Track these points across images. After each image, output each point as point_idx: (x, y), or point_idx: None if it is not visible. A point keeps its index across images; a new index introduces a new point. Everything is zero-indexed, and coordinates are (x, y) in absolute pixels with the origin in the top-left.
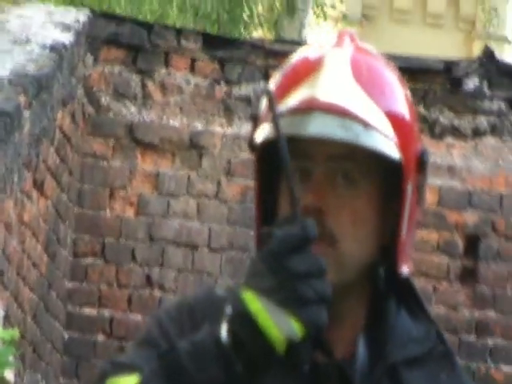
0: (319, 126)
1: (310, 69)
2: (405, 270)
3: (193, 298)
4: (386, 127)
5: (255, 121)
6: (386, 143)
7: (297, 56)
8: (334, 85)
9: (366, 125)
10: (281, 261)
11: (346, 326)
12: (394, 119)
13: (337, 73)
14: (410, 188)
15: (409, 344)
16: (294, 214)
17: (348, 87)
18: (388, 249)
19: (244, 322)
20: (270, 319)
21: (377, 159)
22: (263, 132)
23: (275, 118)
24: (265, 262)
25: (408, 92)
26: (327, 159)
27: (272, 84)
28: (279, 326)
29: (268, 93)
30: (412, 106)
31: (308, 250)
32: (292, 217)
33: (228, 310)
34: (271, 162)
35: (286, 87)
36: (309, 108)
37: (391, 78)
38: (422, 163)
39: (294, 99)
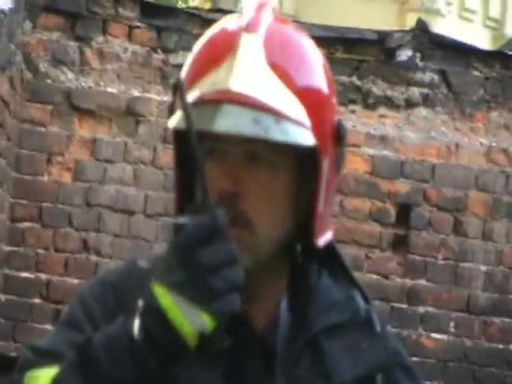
0: (229, 121)
1: (222, 52)
2: (321, 242)
3: (116, 272)
4: (299, 113)
5: (171, 108)
6: (299, 132)
7: (211, 34)
8: (246, 72)
9: (278, 116)
10: (190, 254)
11: (267, 297)
12: (309, 97)
13: (249, 57)
14: (326, 164)
15: (331, 311)
16: (205, 203)
17: (261, 73)
18: (305, 223)
19: (155, 318)
20: (180, 315)
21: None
22: (175, 120)
23: (185, 109)
24: (174, 256)
25: (326, 63)
26: (242, 141)
27: (185, 65)
28: (190, 321)
29: (179, 82)
30: (330, 78)
31: (218, 240)
32: (202, 205)
33: (140, 303)
34: (187, 147)
35: (198, 71)
36: (219, 99)
37: (307, 53)
38: (339, 135)
39: (205, 86)
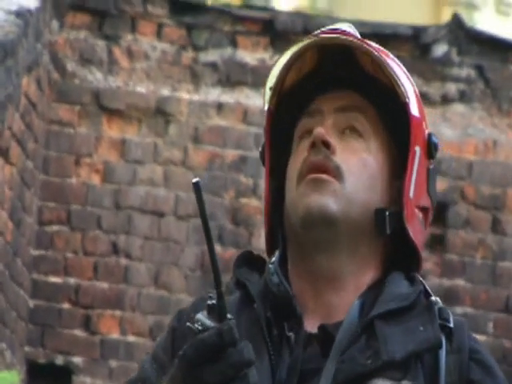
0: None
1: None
2: (413, 235)
3: (185, 308)
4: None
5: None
6: (401, 90)
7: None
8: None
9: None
10: (194, 372)
11: (347, 290)
12: (412, 89)
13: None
14: (418, 153)
15: (392, 301)
16: (219, 308)
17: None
18: (395, 210)
19: None
20: None
21: (386, 117)
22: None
23: (201, 208)
24: (180, 370)
25: (415, 86)
26: (336, 110)
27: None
28: None
29: (195, 185)
30: (419, 100)
31: (223, 357)
32: (218, 308)
33: None
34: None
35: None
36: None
37: (398, 63)
38: (430, 146)
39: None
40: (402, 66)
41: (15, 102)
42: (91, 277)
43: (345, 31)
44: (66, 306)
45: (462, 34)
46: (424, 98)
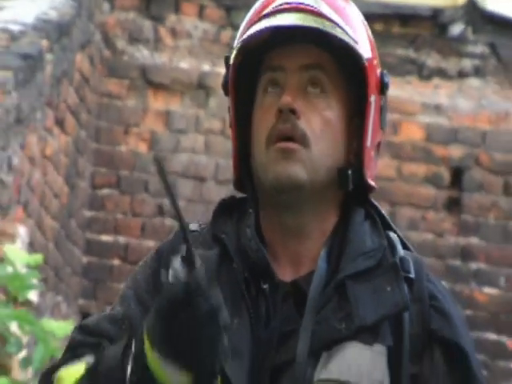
0: (297, 20)
1: None
2: (371, 180)
3: (167, 239)
4: (356, 36)
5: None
6: (354, 44)
7: None
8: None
9: (339, 27)
10: (167, 323)
11: (313, 239)
12: (361, 33)
13: None
14: (373, 100)
15: (359, 258)
16: (188, 257)
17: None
18: (355, 165)
19: (142, 368)
20: (161, 370)
21: (343, 70)
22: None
23: (165, 182)
24: (155, 321)
25: (369, 30)
26: (298, 69)
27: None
28: (169, 376)
29: (156, 159)
30: (372, 41)
31: (193, 306)
32: (188, 257)
33: (133, 344)
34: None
35: (265, 7)
36: (292, 8)
37: (351, 6)
38: (382, 85)
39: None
40: (354, 9)
41: (70, 77)
42: (139, 236)
43: (309, 8)
44: (116, 262)
45: (477, 15)
46: (442, 73)
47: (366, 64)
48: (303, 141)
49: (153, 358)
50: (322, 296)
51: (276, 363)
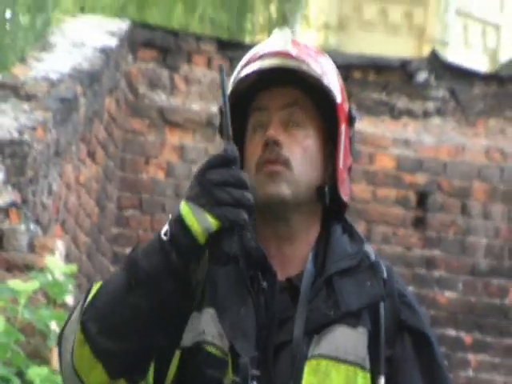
0: (278, 62)
1: (263, 45)
2: (345, 197)
3: None
4: (328, 78)
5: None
6: (327, 84)
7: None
8: (287, 44)
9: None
10: (203, 174)
11: (300, 244)
12: (331, 74)
13: (283, 39)
14: (343, 130)
15: (343, 259)
16: (225, 140)
17: (297, 48)
18: (331, 184)
19: (176, 222)
20: (192, 217)
21: (317, 106)
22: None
23: (222, 81)
24: (195, 177)
25: (339, 76)
26: (280, 107)
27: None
28: (198, 221)
29: (220, 68)
30: (341, 84)
31: (229, 167)
32: (224, 134)
33: (170, 215)
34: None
35: (253, 56)
36: (274, 53)
37: (324, 57)
38: (351, 118)
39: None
40: (328, 59)
41: (100, 117)
42: None
43: (286, 53)
44: None
45: (438, 65)
46: (409, 113)
47: (338, 102)
48: (286, 164)
49: (186, 210)
50: (312, 290)
51: (277, 343)
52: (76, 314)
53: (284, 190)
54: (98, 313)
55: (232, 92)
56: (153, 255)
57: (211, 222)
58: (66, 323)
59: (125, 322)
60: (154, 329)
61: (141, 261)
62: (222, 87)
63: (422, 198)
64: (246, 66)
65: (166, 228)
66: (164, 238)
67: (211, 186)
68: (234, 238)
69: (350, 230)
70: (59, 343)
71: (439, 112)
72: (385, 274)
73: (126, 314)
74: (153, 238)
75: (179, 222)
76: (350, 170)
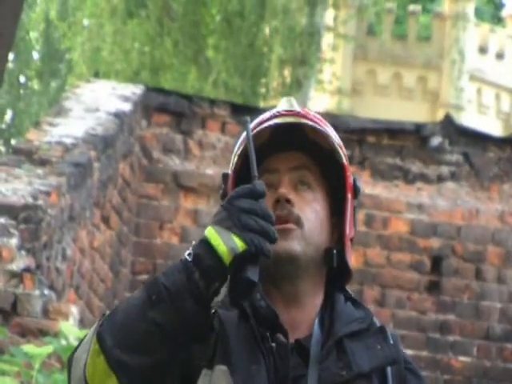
0: (293, 120)
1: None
2: (350, 263)
3: None
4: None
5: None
6: (339, 149)
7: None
8: (294, 107)
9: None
10: (231, 202)
11: (308, 308)
12: (337, 140)
13: (290, 103)
14: (349, 198)
15: (353, 322)
16: (252, 178)
17: (304, 113)
18: (338, 250)
19: (201, 244)
20: (218, 238)
21: (323, 173)
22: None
23: (247, 132)
24: (223, 204)
25: (343, 147)
26: (289, 170)
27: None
28: (224, 242)
29: (244, 121)
30: (346, 155)
31: (256, 198)
32: (252, 174)
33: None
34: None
35: (264, 117)
36: (288, 114)
37: (330, 127)
38: (355, 189)
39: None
40: (331, 129)
41: (114, 182)
42: None
43: (298, 112)
44: None
45: (452, 129)
46: (424, 178)
47: (345, 163)
48: (298, 222)
49: (211, 233)
50: (323, 351)
51: None
52: (89, 336)
53: (295, 247)
54: (116, 326)
55: (242, 152)
56: (175, 274)
57: (238, 243)
58: (78, 347)
59: (142, 336)
60: (170, 347)
61: (163, 279)
62: (248, 135)
63: (436, 263)
64: (260, 125)
65: (189, 250)
66: (188, 258)
67: (239, 211)
68: (258, 269)
69: (351, 299)
70: (69, 365)
71: (453, 176)
72: (391, 340)
73: (143, 329)
74: (176, 261)
75: (204, 243)
76: (352, 240)
